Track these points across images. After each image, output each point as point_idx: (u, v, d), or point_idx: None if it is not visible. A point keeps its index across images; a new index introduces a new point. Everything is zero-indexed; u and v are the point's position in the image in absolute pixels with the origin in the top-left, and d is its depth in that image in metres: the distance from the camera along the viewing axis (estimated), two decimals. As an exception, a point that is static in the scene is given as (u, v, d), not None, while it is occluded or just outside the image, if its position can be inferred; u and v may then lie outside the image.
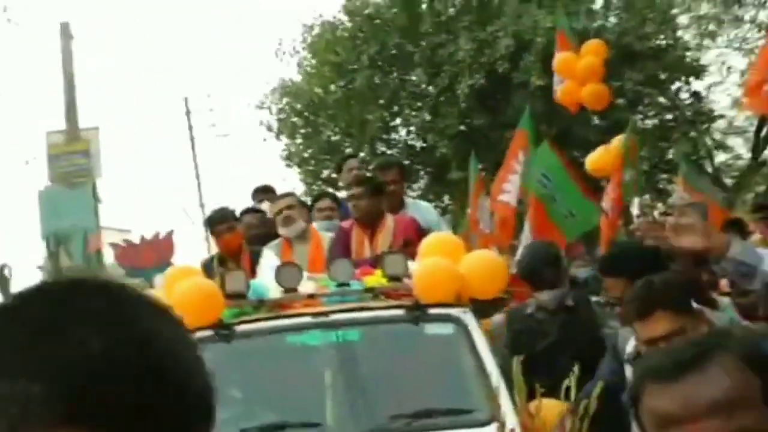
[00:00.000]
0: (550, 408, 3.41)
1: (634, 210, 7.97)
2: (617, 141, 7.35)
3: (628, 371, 3.42)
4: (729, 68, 16.85)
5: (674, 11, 16.41)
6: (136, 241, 8.92)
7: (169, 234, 8.43)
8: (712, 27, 16.69)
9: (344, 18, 16.93)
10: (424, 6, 16.21)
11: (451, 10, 15.90)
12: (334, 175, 12.76)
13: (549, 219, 6.34)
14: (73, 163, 17.18)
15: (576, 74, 7.67)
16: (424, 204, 6.21)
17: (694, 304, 3.05)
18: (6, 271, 7.09)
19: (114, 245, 8.73)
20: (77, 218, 16.31)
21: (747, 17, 16.28)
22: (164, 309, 0.79)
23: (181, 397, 0.74)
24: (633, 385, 1.32)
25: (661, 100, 16.83)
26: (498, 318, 5.41)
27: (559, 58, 7.84)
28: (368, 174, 6.02)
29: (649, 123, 17.03)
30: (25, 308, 0.75)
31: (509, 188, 6.85)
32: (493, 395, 3.74)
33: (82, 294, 0.76)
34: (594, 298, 4.80)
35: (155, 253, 8.70)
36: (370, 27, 16.37)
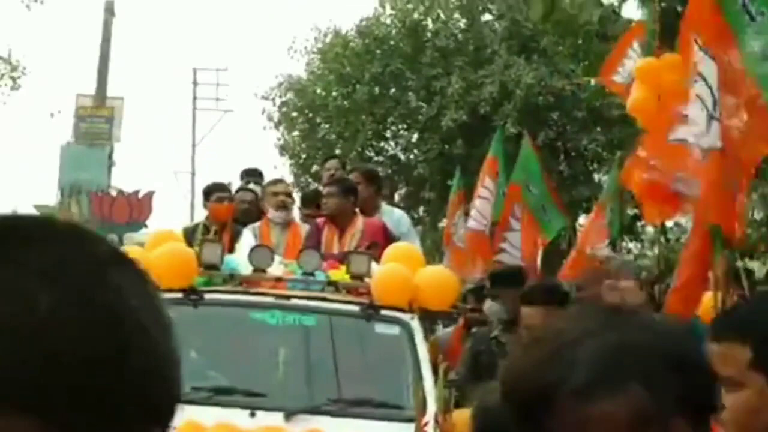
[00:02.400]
0: (465, 414, 3.48)
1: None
2: None
3: None
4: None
5: None
6: (115, 194, 8.73)
7: (149, 194, 8.21)
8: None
9: (355, 35, 17.38)
10: (428, 35, 16.80)
11: (452, 44, 16.47)
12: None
13: (531, 214, 6.28)
14: (96, 126, 17.91)
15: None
16: (398, 212, 6.25)
17: None
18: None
19: (92, 194, 8.56)
20: (92, 175, 16.64)
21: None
22: (139, 270, 0.59)
23: (144, 385, 0.55)
24: None
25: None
26: (445, 332, 5.49)
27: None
28: (344, 176, 6.05)
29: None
30: None
31: (475, 215, 6.77)
32: (421, 396, 3.81)
33: (37, 234, 0.56)
34: None
35: (131, 210, 8.54)
36: (377, 48, 16.86)
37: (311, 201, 6.30)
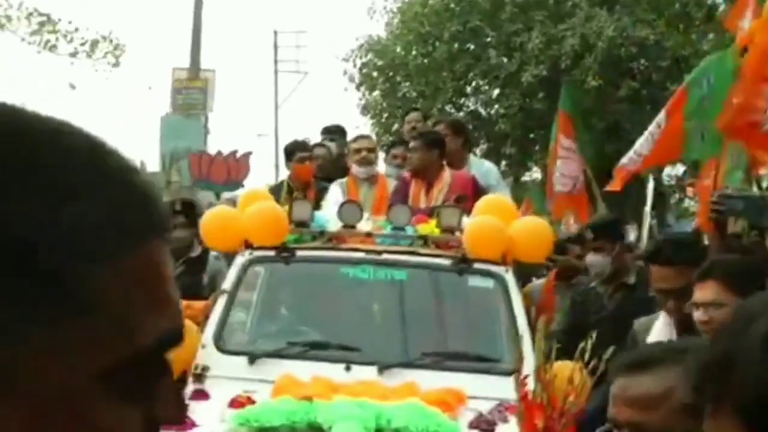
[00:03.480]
0: (566, 366, 3.27)
1: None
2: None
3: None
4: None
5: None
6: (214, 154, 8.81)
7: (247, 155, 8.25)
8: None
9: None
10: None
11: None
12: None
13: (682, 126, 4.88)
14: (191, 97, 19.03)
15: None
16: (487, 164, 6.02)
17: None
18: None
19: (191, 155, 8.67)
20: (190, 143, 17.43)
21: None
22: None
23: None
24: (613, 371, 1.58)
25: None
26: (537, 284, 5.24)
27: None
28: (427, 128, 5.79)
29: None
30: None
31: (560, 178, 6.26)
32: (519, 349, 3.60)
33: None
34: None
35: (228, 170, 8.58)
36: (456, 6, 16.60)
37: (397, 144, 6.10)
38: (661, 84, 15.84)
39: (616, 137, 15.00)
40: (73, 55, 15.68)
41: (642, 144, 5.11)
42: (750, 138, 4.05)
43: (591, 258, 4.64)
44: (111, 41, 15.95)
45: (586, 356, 3.23)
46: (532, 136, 17.05)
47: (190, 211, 4.98)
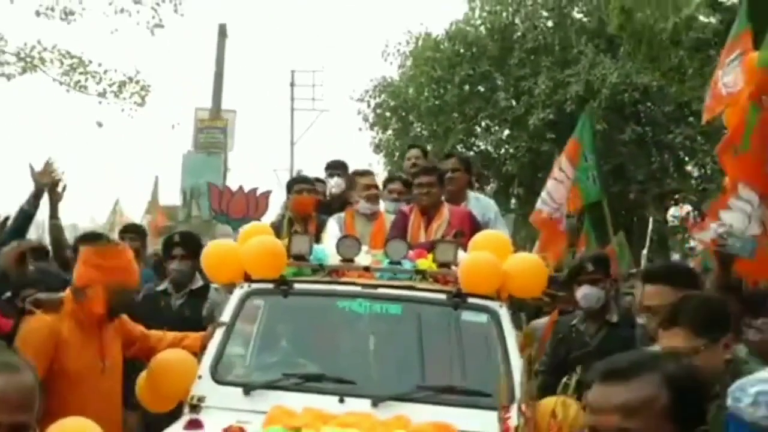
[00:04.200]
0: (550, 402, 3.22)
1: None
2: None
3: None
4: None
5: None
6: (235, 189, 8.93)
7: (267, 193, 8.33)
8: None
9: (445, 39, 17.47)
10: (516, 36, 16.78)
11: (540, 42, 16.38)
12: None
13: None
14: (213, 136, 20.10)
15: None
16: (484, 199, 5.98)
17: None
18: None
19: (212, 187, 8.77)
20: (210, 180, 18.06)
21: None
22: None
23: None
24: (588, 380, 1.61)
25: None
26: (539, 322, 5.20)
27: None
28: (431, 164, 5.80)
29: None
30: None
31: (545, 197, 6.15)
32: (510, 384, 3.56)
33: None
34: (639, 320, 4.45)
35: (248, 205, 8.62)
36: (467, 51, 16.97)
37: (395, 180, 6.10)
38: (666, 128, 15.92)
39: (621, 178, 15.12)
40: (102, 95, 16.17)
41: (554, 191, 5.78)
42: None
43: (586, 290, 4.60)
44: (137, 82, 16.41)
45: (569, 392, 3.19)
46: (540, 175, 17.11)
47: (189, 244, 5.02)
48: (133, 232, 6.43)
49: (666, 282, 3.22)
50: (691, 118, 15.80)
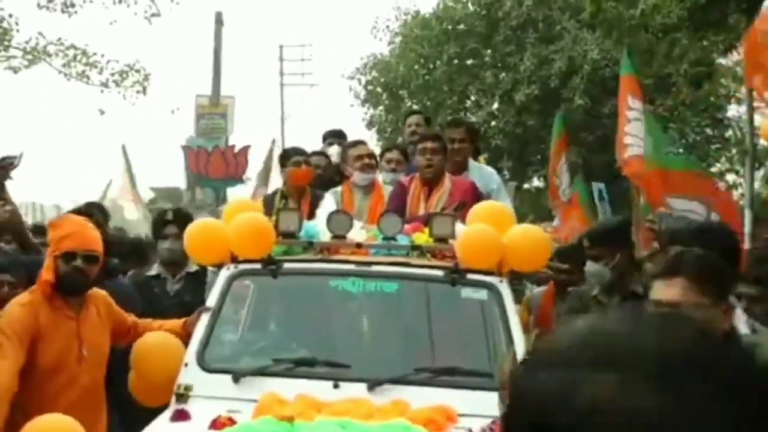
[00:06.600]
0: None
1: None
2: None
3: None
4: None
5: None
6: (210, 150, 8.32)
7: (245, 148, 7.71)
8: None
9: (433, 18, 17.25)
10: (501, 14, 16.65)
11: (524, 19, 16.28)
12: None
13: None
14: (213, 122, 19.67)
15: None
16: (487, 169, 5.46)
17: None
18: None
19: (187, 150, 8.18)
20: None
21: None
22: None
23: None
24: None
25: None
26: (536, 292, 4.74)
27: None
28: (431, 131, 5.30)
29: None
30: None
31: (630, 140, 5.31)
32: (514, 363, 3.16)
33: None
34: None
35: (227, 165, 8.05)
36: (454, 30, 16.74)
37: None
38: (647, 99, 15.68)
39: (605, 150, 14.96)
40: (104, 84, 15.90)
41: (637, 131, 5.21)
42: None
43: (589, 267, 4.15)
44: (138, 71, 16.12)
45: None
46: (528, 148, 16.93)
47: (183, 221, 4.48)
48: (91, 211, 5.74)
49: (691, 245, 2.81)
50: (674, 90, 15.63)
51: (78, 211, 4.62)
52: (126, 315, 3.90)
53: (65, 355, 3.54)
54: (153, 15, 15.89)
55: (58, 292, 3.55)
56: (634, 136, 5.31)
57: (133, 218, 7.47)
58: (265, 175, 11.87)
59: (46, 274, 3.55)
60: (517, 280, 4.20)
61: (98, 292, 3.76)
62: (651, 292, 2.33)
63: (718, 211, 4.77)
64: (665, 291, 2.26)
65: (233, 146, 8.09)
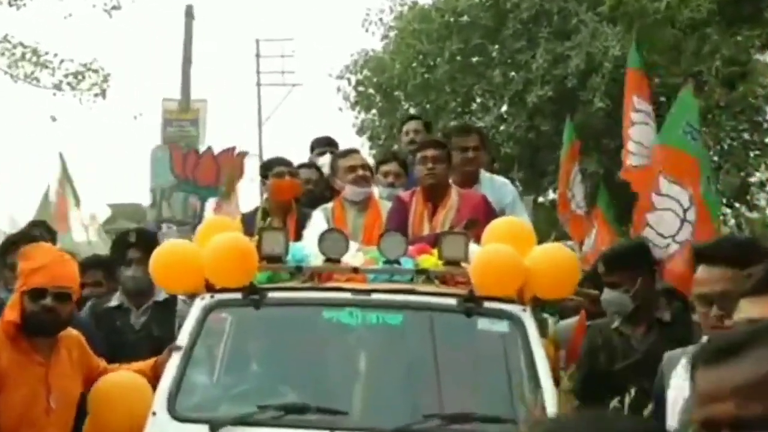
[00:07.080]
0: None
1: None
2: None
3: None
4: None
5: None
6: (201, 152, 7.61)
7: (243, 154, 7.12)
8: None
9: (433, 10, 16.58)
10: (509, 5, 15.98)
11: (535, 11, 15.69)
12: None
13: (700, 186, 4.48)
14: (183, 130, 19.32)
15: None
16: (500, 180, 5.00)
17: None
18: None
19: (174, 149, 7.58)
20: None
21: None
22: None
23: None
24: (692, 366, 1.36)
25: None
26: (565, 324, 4.35)
27: None
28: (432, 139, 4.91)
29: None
30: None
31: (633, 148, 4.99)
32: (540, 407, 2.82)
33: None
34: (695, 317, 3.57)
35: (218, 171, 7.39)
36: (456, 23, 16.13)
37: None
38: (672, 101, 15.19)
39: None
40: (57, 87, 15.16)
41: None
42: None
43: (606, 295, 3.76)
44: (96, 71, 15.41)
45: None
46: (540, 156, 16.38)
47: (146, 243, 4.08)
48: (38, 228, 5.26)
49: (726, 263, 2.53)
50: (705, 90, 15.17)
51: (22, 234, 4.31)
52: (98, 360, 3.62)
53: (31, 405, 3.32)
54: (113, 8, 14.99)
55: (24, 333, 3.35)
56: (638, 144, 4.98)
57: (80, 241, 6.84)
58: (228, 190, 11.12)
59: (10, 312, 3.37)
60: (539, 308, 3.84)
61: (71, 333, 3.54)
62: (738, 311, 2.11)
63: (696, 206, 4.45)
64: (757, 309, 2.07)
65: (233, 148, 7.53)
